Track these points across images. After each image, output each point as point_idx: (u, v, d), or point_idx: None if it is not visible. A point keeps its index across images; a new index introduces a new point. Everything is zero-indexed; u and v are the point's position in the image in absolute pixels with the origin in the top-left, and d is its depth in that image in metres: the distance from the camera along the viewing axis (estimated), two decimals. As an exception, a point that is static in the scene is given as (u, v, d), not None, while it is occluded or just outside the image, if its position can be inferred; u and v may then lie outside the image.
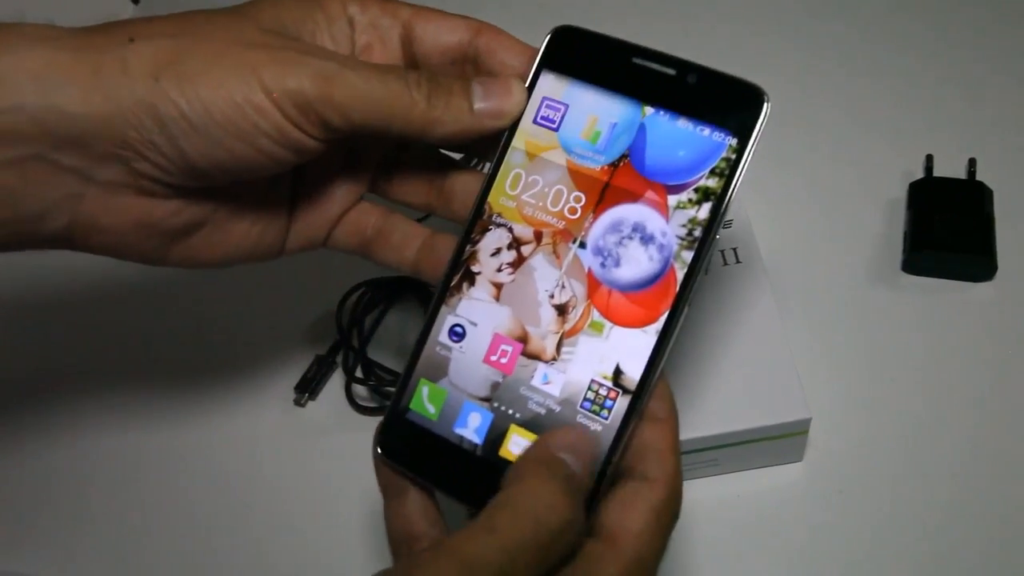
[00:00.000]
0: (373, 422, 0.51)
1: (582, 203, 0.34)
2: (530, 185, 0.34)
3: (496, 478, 0.30)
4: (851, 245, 0.54)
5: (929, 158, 0.55)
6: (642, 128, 0.33)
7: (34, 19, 0.32)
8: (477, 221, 0.35)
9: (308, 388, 0.52)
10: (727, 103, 0.32)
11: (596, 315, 0.33)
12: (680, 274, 0.32)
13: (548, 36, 0.35)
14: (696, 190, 0.32)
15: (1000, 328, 0.50)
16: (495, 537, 0.27)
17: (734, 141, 0.32)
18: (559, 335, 0.33)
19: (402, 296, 0.55)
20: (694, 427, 0.44)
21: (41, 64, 0.31)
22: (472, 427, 0.33)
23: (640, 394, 0.32)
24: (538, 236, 0.34)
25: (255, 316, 0.56)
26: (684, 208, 0.32)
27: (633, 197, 0.33)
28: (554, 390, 0.33)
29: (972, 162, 0.54)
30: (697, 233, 0.32)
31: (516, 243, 0.34)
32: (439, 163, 0.39)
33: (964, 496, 0.45)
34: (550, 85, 0.35)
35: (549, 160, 0.34)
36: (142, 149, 0.32)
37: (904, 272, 0.52)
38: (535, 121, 0.35)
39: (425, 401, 0.34)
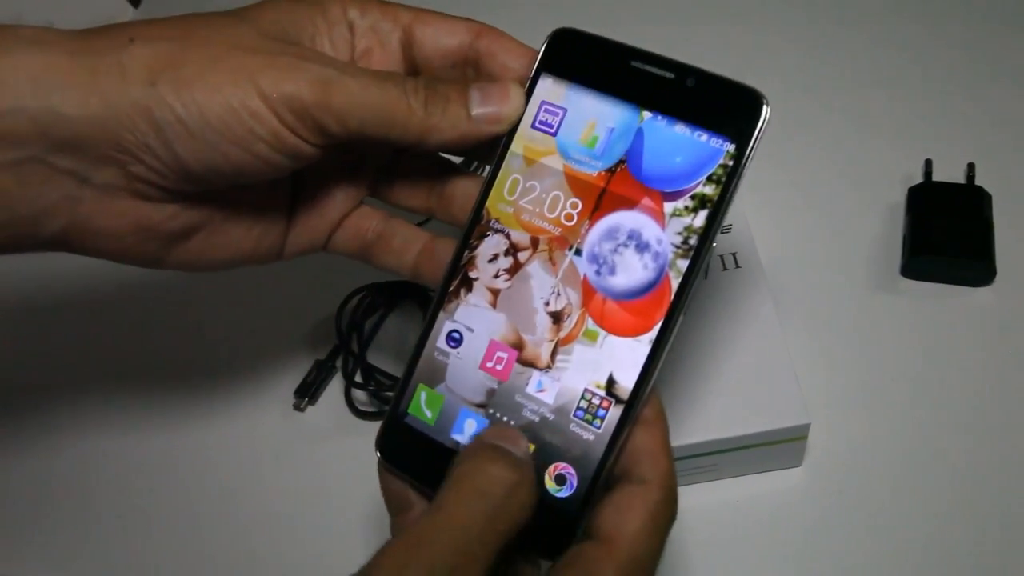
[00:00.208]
0: (373, 426, 0.51)
1: (578, 209, 0.33)
2: (528, 191, 0.34)
3: None
4: (850, 249, 0.54)
5: (928, 163, 0.55)
6: (639, 133, 0.33)
7: (32, 21, 0.32)
8: (475, 227, 0.35)
9: (308, 392, 0.52)
10: (726, 108, 0.32)
11: (590, 323, 0.33)
12: (675, 283, 0.32)
13: (547, 39, 0.35)
14: (692, 197, 0.32)
15: (999, 332, 0.50)
16: (442, 514, 0.28)
17: (732, 147, 0.31)
18: (554, 343, 0.33)
19: (402, 300, 0.55)
20: (694, 432, 0.43)
21: (39, 67, 0.31)
22: (468, 433, 0.33)
23: (633, 404, 0.32)
24: (535, 242, 0.34)
25: (255, 320, 0.56)
26: (680, 216, 0.32)
27: (629, 204, 0.33)
28: (548, 398, 0.33)
29: (971, 166, 0.54)
30: (693, 241, 0.32)
31: (513, 249, 0.34)
32: (439, 167, 0.39)
33: (964, 501, 0.45)
34: (549, 89, 0.34)
35: (547, 165, 0.34)
36: (137, 152, 0.32)
37: (903, 277, 0.52)
38: (533, 126, 0.35)
39: (423, 406, 0.34)
